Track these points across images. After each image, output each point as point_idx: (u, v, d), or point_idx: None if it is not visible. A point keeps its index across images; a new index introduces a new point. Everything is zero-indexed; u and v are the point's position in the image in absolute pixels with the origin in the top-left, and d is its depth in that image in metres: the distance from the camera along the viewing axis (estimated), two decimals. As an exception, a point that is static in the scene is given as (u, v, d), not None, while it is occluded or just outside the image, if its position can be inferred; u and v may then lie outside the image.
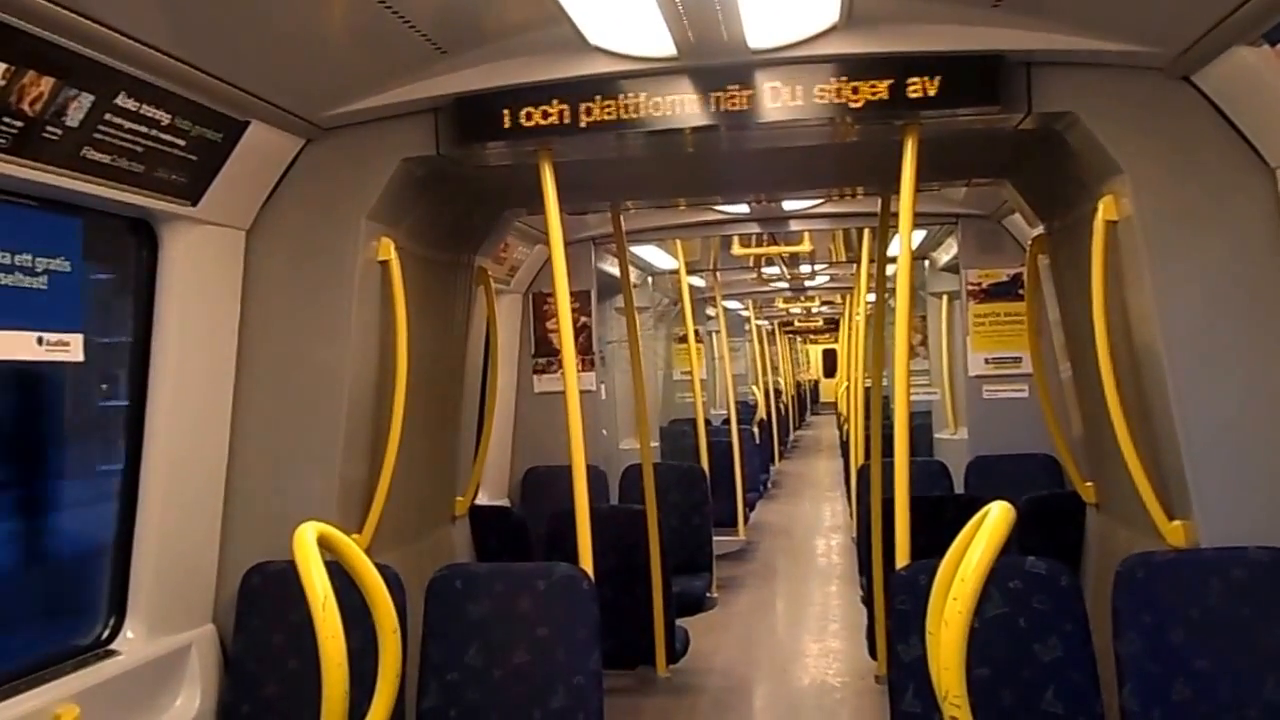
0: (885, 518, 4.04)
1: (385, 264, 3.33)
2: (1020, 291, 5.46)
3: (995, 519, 1.66)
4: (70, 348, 2.53)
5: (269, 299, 3.20)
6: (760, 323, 15.99)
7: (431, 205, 3.64)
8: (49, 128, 2.24)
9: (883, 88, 2.98)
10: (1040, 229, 3.87)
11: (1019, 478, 4.96)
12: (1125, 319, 3.05)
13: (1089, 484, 3.75)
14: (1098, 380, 3.11)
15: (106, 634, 2.87)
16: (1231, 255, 2.84)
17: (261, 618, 3.05)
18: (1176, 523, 2.92)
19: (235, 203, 3.06)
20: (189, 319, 2.97)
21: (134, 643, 2.86)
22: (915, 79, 2.96)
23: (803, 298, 14.21)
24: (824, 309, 17.12)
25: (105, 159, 2.44)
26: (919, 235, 6.87)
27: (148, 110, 2.46)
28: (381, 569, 2.37)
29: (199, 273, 2.99)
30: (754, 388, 13.46)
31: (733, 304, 13.39)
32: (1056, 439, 3.96)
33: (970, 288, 5.80)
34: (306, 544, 1.81)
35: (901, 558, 3.04)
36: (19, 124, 2.17)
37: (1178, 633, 2.66)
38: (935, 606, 1.72)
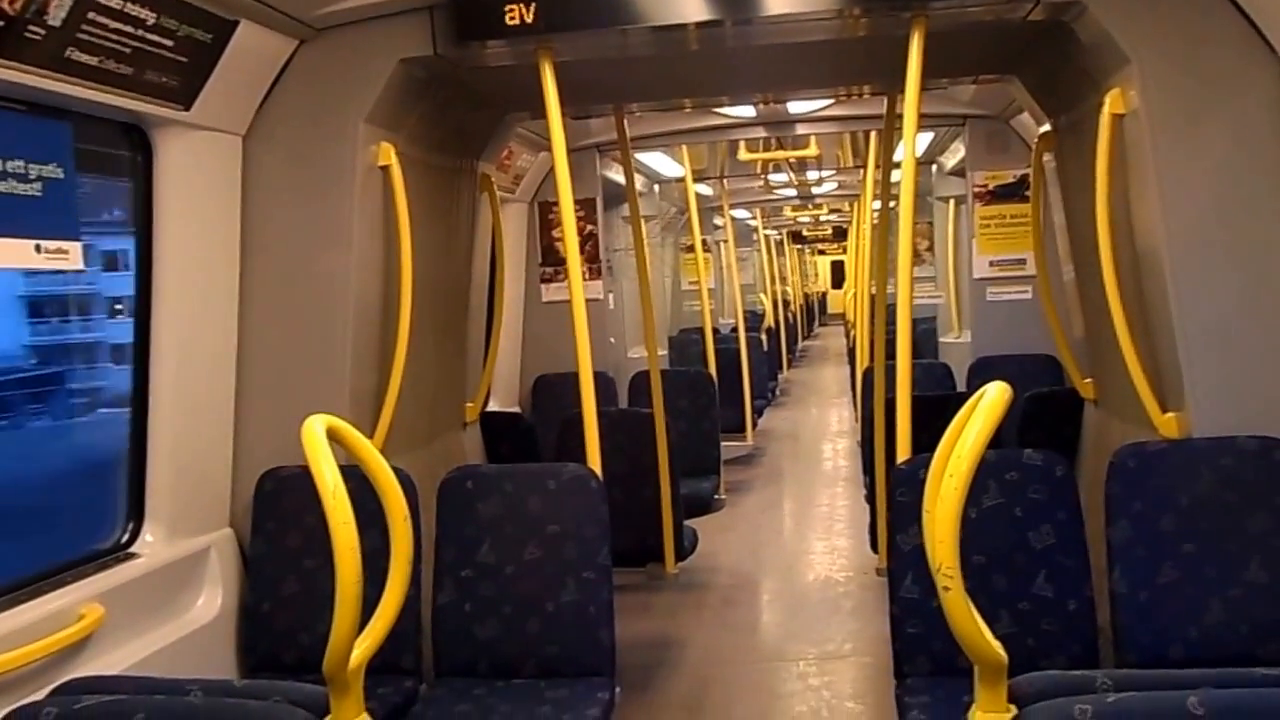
0: (888, 417, 4.09)
1: (386, 169, 3.31)
2: (1026, 193, 5.42)
3: (992, 399, 1.67)
4: (69, 256, 2.53)
5: (269, 205, 3.19)
6: (769, 232, 15.89)
7: (431, 108, 3.60)
8: (31, 27, 2.20)
9: None
10: (1047, 126, 3.83)
11: (1020, 377, 4.94)
12: (1129, 213, 3.03)
13: (1087, 381, 3.78)
14: (1099, 275, 3.11)
15: (126, 538, 2.94)
16: (1236, 147, 2.81)
17: (277, 521, 3.12)
18: (1170, 415, 2.96)
19: (229, 106, 3.02)
20: (189, 225, 2.97)
21: (154, 545, 2.93)
22: None
23: (810, 206, 14.10)
24: (832, 217, 16.99)
25: (91, 60, 2.40)
26: (926, 138, 6.79)
27: (131, 9, 2.42)
28: (393, 471, 2.41)
29: (196, 179, 2.98)
30: (762, 296, 13.45)
31: (741, 213, 13.29)
32: (1057, 336, 3.98)
33: (977, 189, 5.76)
34: (315, 435, 1.85)
35: (903, 453, 3.09)
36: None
37: (1167, 519, 2.72)
38: (932, 485, 1.75)
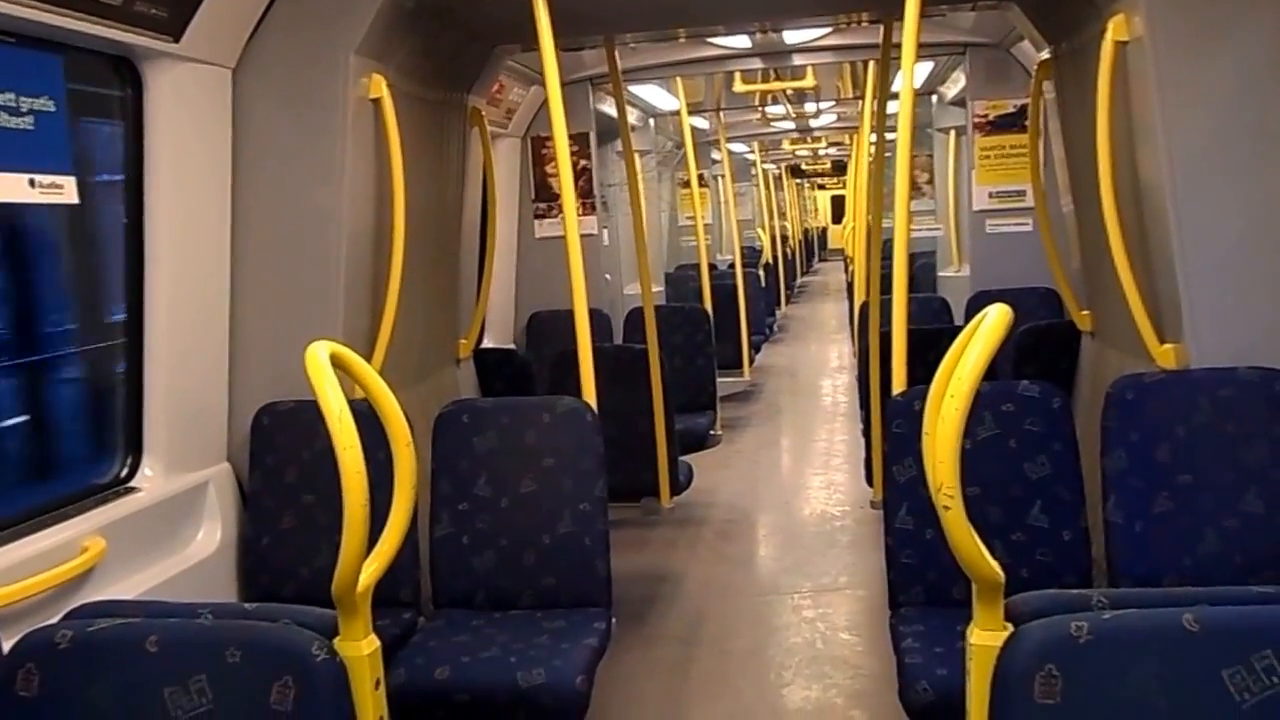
0: (884, 351, 4.09)
1: (377, 102, 3.27)
2: (1027, 123, 5.37)
3: (993, 321, 1.66)
4: (64, 190, 2.51)
5: (260, 139, 3.15)
6: (767, 166, 15.75)
7: (421, 40, 3.55)
8: (20, -44, 2.17)
9: None
10: (1046, 53, 3.77)
11: (1019, 310, 4.94)
12: (1130, 142, 3.00)
13: (1085, 313, 3.77)
14: (1098, 205, 3.08)
15: (126, 472, 2.96)
16: (1242, 76, 2.77)
17: (274, 455, 3.14)
18: (1168, 346, 2.96)
19: (219, 38, 2.98)
20: (180, 161, 2.94)
21: (153, 480, 2.95)
22: None
23: (809, 139, 13.96)
24: (831, 151, 16.83)
25: (81, -10, 2.37)
26: (926, 68, 6.69)
27: (120, -64, 2.38)
28: None
29: (186, 113, 2.94)
30: (759, 231, 13.38)
31: (738, 147, 13.16)
32: (1054, 267, 3.96)
33: (977, 120, 5.69)
34: (319, 360, 1.84)
35: (898, 386, 3.10)
36: (-14, -47, 2.10)
37: (1163, 450, 2.72)
38: (932, 407, 1.75)
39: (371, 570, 1.91)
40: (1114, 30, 2.92)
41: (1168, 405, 2.74)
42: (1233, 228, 2.80)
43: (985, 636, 1.69)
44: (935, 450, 1.65)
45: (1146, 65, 2.80)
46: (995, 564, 1.67)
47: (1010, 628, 1.69)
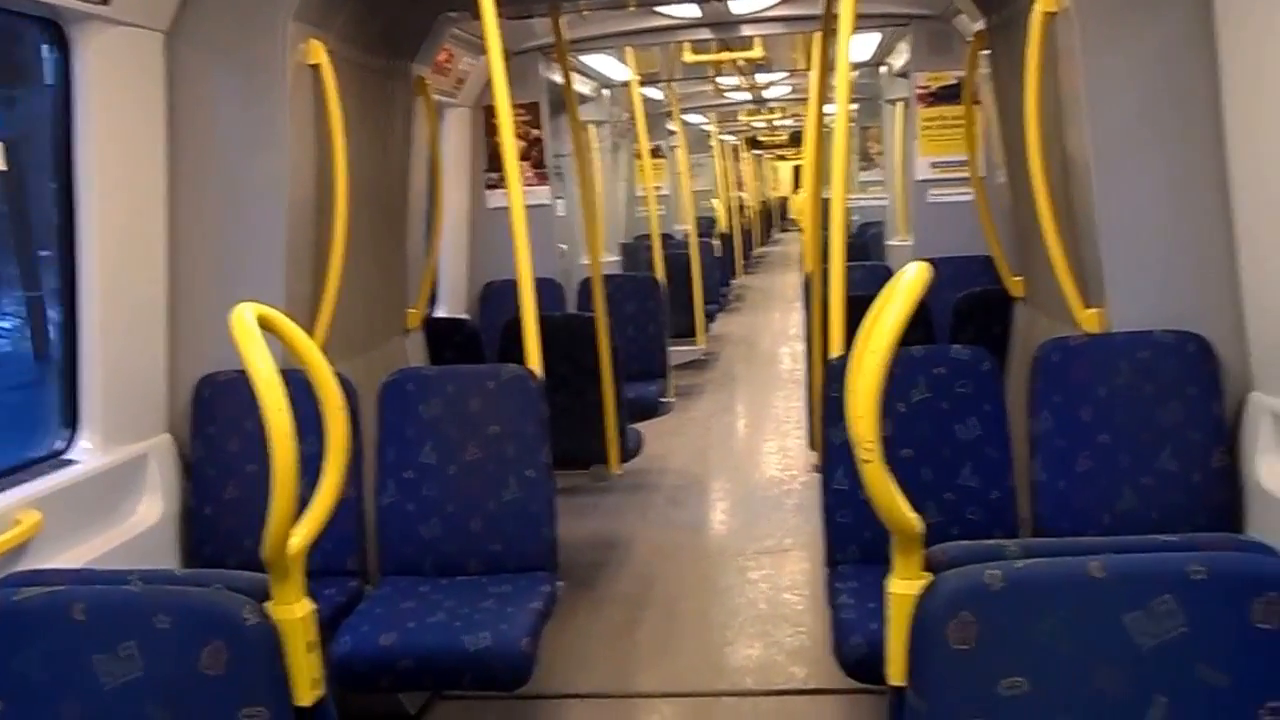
0: (826, 318, 4.15)
1: (317, 68, 3.25)
2: (966, 93, 5.43)
3: (910, 278, 1.70)
4: None
5: (196, 106, 3.11)
6: (725, 138, 15.73)
7: (362, 7, 3.52)
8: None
9: None
10: (981, 24, 3.82)
11: (959, 278, 5.06)
12: (1058, 113, 3.06)
13: (1018, 279, 3.86)
14: (1027, 174, 3.15)
15: (62, 445, 2.93)
16: (1165, 49, 2.82)
17: (217, 426, 3.13)
18: (1091, 310, 3.04)
19: (151, 0, 2.94)
20: (111, 127, 2.90)
21: (91, 453, 2.92)
22: None
23: (764, 110, 13.97)
24: (788, 122, 16.85)
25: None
26: (873, 39, 6.73)
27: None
28: (334, 376, 2.42)
29: (117, 79, 2.89)
30: (714, 202, 13.40)
31: (695, 118, 13.15)
32: (988, 235, 4.04)
33: (919, 91, 5.75)
34: (244, 322, 1.82)
35: (835, 350, 3.16)
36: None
37: (1086, 410, 2.81)
38: (854, 363, 1.79)
39: (303, 533, 1.90)
40: (1043, 1, 2.97)
41: (1090, 367, 2.83)
42: (1151, 196, 2.88)
43: (903, 585, 1.75)
44: (855, 405, 1.69)
45: (1073, 36, 2.86)
46: (913, 515, 1.72)
47: (929, 577, 1.75)
